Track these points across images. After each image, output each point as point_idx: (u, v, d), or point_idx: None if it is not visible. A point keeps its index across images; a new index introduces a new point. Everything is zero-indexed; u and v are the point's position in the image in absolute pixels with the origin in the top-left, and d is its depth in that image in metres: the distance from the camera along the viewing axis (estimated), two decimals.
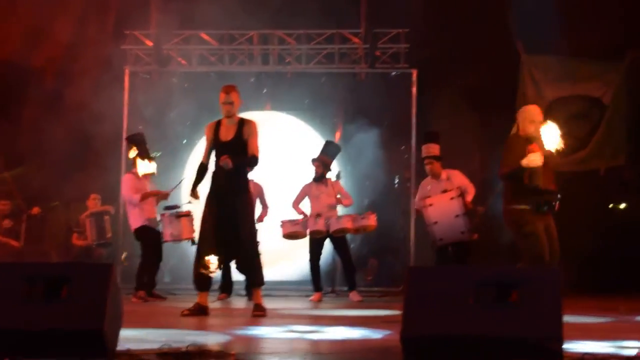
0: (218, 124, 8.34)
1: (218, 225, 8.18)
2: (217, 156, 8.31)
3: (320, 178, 11.37)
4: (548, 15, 12.26)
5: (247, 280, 9.06)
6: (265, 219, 11.44)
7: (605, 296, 10.61)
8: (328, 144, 11.85)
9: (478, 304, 4.36)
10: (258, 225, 10.71)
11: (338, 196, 11.44)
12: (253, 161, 8.38)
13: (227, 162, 7.91)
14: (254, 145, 8.26)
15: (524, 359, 4.13)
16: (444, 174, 10.28)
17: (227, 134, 8.19)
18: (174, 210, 10.78)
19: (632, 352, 4.94)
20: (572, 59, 12.95)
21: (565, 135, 7.40)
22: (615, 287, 11.36)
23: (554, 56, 13.04)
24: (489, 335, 4.27)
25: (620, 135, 13.05)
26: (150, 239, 10.86)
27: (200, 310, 8.22)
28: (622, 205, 8.48)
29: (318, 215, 11.26)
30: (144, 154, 11.00)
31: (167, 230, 10.63)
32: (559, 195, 7.41)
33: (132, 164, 11.32)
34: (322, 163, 11.42)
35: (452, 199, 9.88)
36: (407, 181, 13.34)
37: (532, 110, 7.55)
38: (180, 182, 11.46)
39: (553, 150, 8.63)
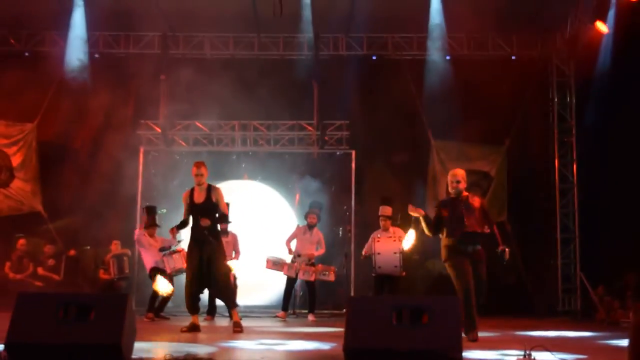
0: (192, 190, 9.05)
1: (199, 265, 8.82)
2: (193, 215, 9.01)
3: (313, 226, 12.30)
4: (449, 112, 13.67)
5: (226, 303, 9.49)
6: (238, 258, 12.19)
7: (494, 316, 11.09)
8: (316, 202, 12.74)
9: (398, 324, 4.87)
10: (235, 263, 11.73)
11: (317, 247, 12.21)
12: (224, 218, 9.36)
13: (206, 222, 8.73)
14: (222, 205, 9.10)
15: None
16: (391, 229, 11.33)
17: (199, 197, 8.94)
18: (168, 251, 11.53)
19: (513, 359, 5.43)
20: (467, 143, 14.24)
21: None
22: (499, 309, 11.98)
23: (454, 142, 14.40)
24: (406, 348, 4.76)
25: (502, 199, 14.40)
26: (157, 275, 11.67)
27: (194, 328, 8.81)
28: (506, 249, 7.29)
29: (297, 257, 12.09)
30: (150, 224, 12.01)
31: (168, 266, 11.44)
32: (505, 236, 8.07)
33: (145, 226, 12.19)
34: (317, 215, 12.36)
35: (394, 241, 11.03)
36: (348, 232, 14.37)
37: (450, 175, 8.04)
38: (178, 243, 11.33)
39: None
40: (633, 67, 12.57)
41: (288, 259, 12.31)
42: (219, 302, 11.10)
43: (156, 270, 11.72)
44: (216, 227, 9.09)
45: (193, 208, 8.99)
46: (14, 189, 15.24)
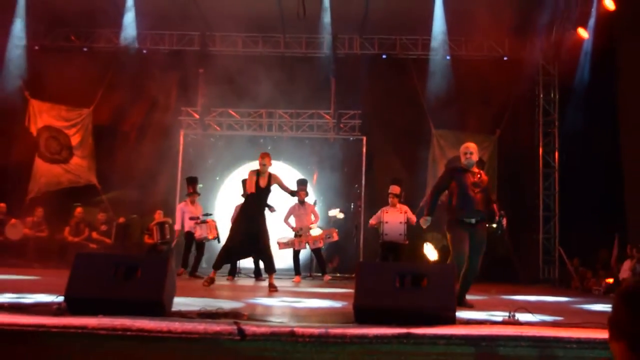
0: (258, 174, 9.09)
1: (247, 234, 8.90)
2: (255, 195, 9.07)
3: (303, 202, 12.14)
4: (448, 104, 13.64)
5: (266, 268, 9.39)
6: (317, 222, 12.29)
7: (483, 283, 10.49)
8: (302, 180, 12.54)
9: (401, 287, 4.84)
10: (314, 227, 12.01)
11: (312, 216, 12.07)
12: (293, 193, 9.83)
13: (272, 209, 9.26)
14: (285, 186, 9.39)
15: (432, 323, 4.43)
16: (398, 205, 11.21)
17: (263, 182, 9.04)
18: (199, 220, 11.78)
19: (499, 319, 5.22)
20: (463, 132, 13.87)
21: None
22: (488, 277, 11.35)
23: (452, 131, 14.28)
24: (407, 307, 4.72)
25: (492, 181, 13.02)
26: (189, 240, 12.03)
27: (211, 281, 8.90)
28: (494, 225, 8.20)
29: (300, 231, 11.96)
30: (192, 192, 12.11)
31: (197, 232, 11.73)
32: (500, 215, 7.14)
33: (186, 194, 12.29)
34: (305, 191, 12.18)
35: (400, 213, 10.99)
36: (359, 207, 14.52)
37: (463, 147, 7.19)
38: (207, 215, 12.09)
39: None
40: (609, 67, 12.58)
41: (291, 234, 12.21)
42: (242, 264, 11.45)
43: (188, 236, 12.04)
44: (264, 207, 9.29)
45: (257, 190, 9.08)
46: (73, 165, 15.42)
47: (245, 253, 9.65)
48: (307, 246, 12.14)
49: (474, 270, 6.92)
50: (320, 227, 12.32)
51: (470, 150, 7.08)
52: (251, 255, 10.24)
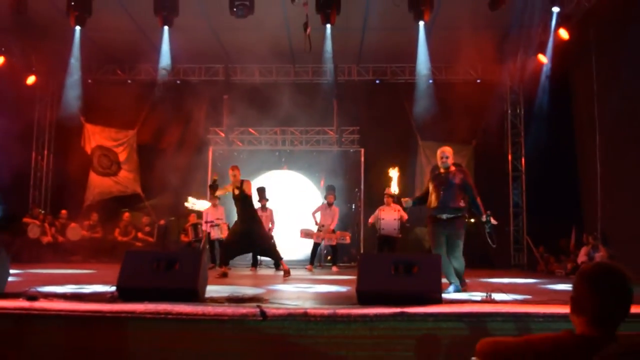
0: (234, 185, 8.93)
1: (240, 234, 8.78)
2: (235, 202, 8.98)
3: (331, 204, 12.08)
4: (432, 120, 13.57)
5: (274, 259, 9.51)
6: (273, 230, 11.95)
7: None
8: (331, 186, 12.46)
9: (395, 274, 4.82)
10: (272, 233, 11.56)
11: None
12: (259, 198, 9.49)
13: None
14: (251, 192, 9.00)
15: (422, 303, 4.43)
16: (392, 205, 11.12)
17: (237, 191, 8.90)
18: (214, 222, 11.75)
19: (478, 298, 5.27)
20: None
21: None
22: (467, 264, 12.42)
23: (436, 142, 13.56)
24: (401, 290, 4.69)
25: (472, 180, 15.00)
26: (208, 239, 11.94)
27: (223, 274, 8.65)
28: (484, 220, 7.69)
29: (322, 227, 11.87)
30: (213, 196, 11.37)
31: (212, 234, 11.76)
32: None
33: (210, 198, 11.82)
34: (334, 195, 12.15)
35: (394, 211, 10.92)
36: (359, 207, 14.54)
37: (439, 152, 6.69)
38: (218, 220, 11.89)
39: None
40: (564, 87, 12.66)
41: (314, 228, 12.15)
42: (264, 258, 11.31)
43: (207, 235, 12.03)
44: (254, 209, 9.29)
45: (234, 198, 9.13)
46: (121, 177, 15.51)
47: (243, 250, 9.39)
48: (323, 241, 12.13)
49: (455, 259, 6.49)
50: (335, 229, 12.32)
51: (446, 154, 6.63)
52: (250, 252, 10.04)
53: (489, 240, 6.57)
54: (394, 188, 7.81)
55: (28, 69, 14.43)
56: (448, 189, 6.45)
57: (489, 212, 6.61)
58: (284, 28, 12.71)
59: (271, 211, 12.14)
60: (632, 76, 9.40)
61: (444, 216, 6.48)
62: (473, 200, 6.61)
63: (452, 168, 6.63)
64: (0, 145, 12.46)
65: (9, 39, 13.38)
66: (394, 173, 7.73)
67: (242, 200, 8.90)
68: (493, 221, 6.63)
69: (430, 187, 6.66)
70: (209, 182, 11.82)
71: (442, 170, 6.62)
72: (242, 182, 8.96)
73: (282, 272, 9.34)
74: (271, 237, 10.51)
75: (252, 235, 8.79)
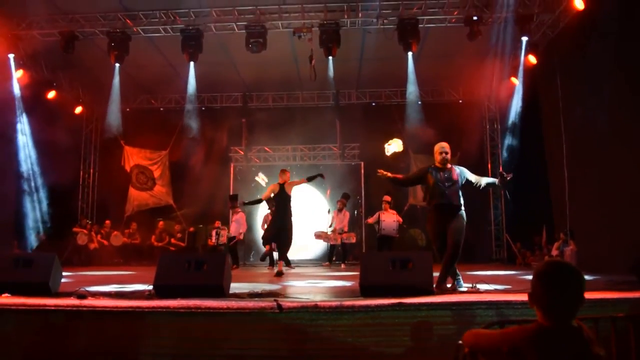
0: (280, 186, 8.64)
1: (280, 227, 8.60)
2: (276, 199, 8.70)
3: (341, 209, 12.10)
4: (421, 136, 13.11)
5: (279, 256, 9.09)
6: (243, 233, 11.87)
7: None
8: (345, 194, 12.45)
9: (393, 269, 4.81)
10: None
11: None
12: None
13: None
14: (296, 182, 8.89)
15: (417, 295, 4.42)
16: (390, 210, 11.05)
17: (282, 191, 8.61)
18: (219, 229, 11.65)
19: (465, 289, 5.27)
20: (431, 155, 14.25)
21: None
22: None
23: (425, 155, 13.79)
24: (398, 283, 4.68)
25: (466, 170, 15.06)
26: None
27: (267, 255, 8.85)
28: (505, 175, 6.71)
29: (339, 231, 11.84)
30: (232, 206, 11.80)
31: (214, 238, 11.59)
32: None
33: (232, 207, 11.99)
34: (342, 202, 12.17)
35: (393, 214, 10.86)
36: (360, 212, 14.45)
37: (437, 147, 5.88)
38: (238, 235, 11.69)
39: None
40: (534, 105, 12.50)
41: (327, 231, 12.20)
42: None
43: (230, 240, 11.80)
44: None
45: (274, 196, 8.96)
46: (156, 191, 15.54)
47: (273, 240, 9.35)
48: (335, 241, 12.15)
49: (450, 255, 5.55)
50: (342, 231, 12.29)
51: (446, 150, 5.82)
52: (275, 241, 9.50)
53: (507, 193, 5.65)
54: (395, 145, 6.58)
55: (76, 100, 14.54)
56: (453, 186, 5.66)
57: (501, 170, 5.56)
58: (293, 60, 12.75)
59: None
60: (591, 93, 9.42)
61: (446, 209, 5.63)
62: (483, 184, 5.87)
63: (449, 165, 5.84)
64: (53, 164, 12.61)
65: (60, 75, 13.51)
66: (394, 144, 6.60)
67: (286, 199, 8.67)
68: (508, 176, 5.77)
69: (431, 182, 5.72)
70: (230, 194, 12.14)
71: (440, 166, 5.79)
72: (290, 182, 8.84)
73: (292, 270, 9.39)
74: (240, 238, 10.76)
75: (285, 228, 8.57)
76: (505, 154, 14.44)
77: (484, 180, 5.91)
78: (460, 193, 5.78)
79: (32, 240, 13.00)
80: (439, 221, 5.63)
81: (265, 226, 11.15)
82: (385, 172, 5.85)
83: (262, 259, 12.21)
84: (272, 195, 8.81)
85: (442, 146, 5.88)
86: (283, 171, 8.91)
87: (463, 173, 5.86)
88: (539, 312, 2.13)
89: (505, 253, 14.34)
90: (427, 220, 5.85)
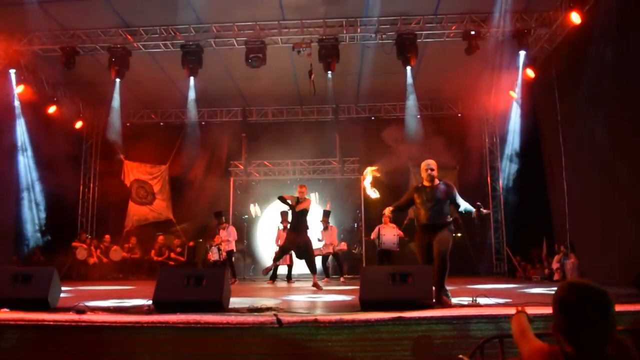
0: (297, 200, 8.87)
1: (296, 242, 8.75)
2: (293, 213, 8.85)
3: (326, 227, 12.06)
4: (420, 148, 12.31)
5: (309, 270, 9.00)
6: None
7: (451, 277, 10.49)
8: (325, 211, 12.40)
9: (393, 283, 4.81)
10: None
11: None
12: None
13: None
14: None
15: (417, 309, 4.41)
16: (390, 224, 11.00)
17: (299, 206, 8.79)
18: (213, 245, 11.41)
19: (465, 303, 5.22)
20: None
21: None
22: (455, 272, 11.87)
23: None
24: (398, 298, 4.66)
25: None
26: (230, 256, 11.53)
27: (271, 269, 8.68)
28: (459, 234, 6.61)
29: (329, 244, 11.84)
30: (220, 224, 11.54)
31: (210, 255, 11.47)
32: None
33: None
34: (325, 220, 12.12)
35: (393, 228, 10.79)
36: (360, 226, 14.27)
37: (424, 164, 5.90)
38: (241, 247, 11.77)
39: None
40: (532, 118, 12.50)
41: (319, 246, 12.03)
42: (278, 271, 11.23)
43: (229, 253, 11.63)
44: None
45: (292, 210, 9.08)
46: (156, 206, 15.49)
47: (296, 255, 9.45)
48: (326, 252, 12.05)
49: (438, 266, 5.51)
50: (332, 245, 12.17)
51: (431, 167, 5.80)
52: (298, 258, 9.55)
53: (477, 216, 5.76)
54: (368, 184, 6.83)
55: (76, 115, 14.57)
56: (435, 206, 5.62)
57: (478, 203, 5.77)
58: (292, 75, 12.80)
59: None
60: (589, 106, 9.46)
61: (429, 228, 5.67)
62: (462, 209, 5.81)
63: (436, 182, 5.81)
64: (53, 179, 12.61)
65: (60, 90, 13.58)
66: (368, 175, 6.86)
67: (302, 213, 8.82)
68: (484, 211, 5.80)
69: (417, 202, 5.78)
70: (215, 212, 11.93)
71: (427, 184, 5.78)
72: (305, 199, 8.92)
73: (293, 284, 9.34)
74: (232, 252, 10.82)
75: (305, 244, 8.74)
76: (504, 166, 14.48)
77: (463, 207, 5.83)
78: (446, 210, 5.72)
79: (31, 252, 12.96)
80: (424, 239, 5.71)
81: (279, 242, 11.08)
82: (386, 209, 6.16)
83: (267, 273, 12.19)
84: (303, 209, 8.89)
85: (428, 163, 5.88)
86: (303, 186, 9.21)
87: (450, 190, 5.80)
88: (561, 339, 1.87)
89: (506, 266, 14.26)
90: (415, 238, 5.94)
